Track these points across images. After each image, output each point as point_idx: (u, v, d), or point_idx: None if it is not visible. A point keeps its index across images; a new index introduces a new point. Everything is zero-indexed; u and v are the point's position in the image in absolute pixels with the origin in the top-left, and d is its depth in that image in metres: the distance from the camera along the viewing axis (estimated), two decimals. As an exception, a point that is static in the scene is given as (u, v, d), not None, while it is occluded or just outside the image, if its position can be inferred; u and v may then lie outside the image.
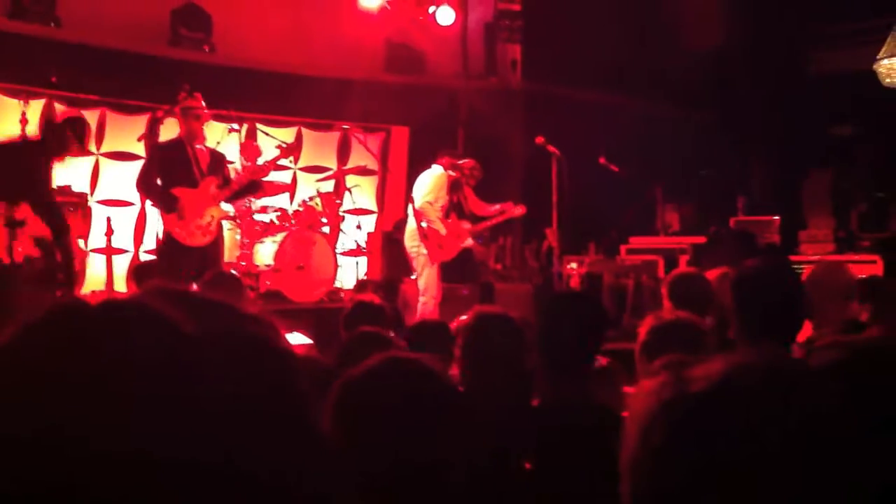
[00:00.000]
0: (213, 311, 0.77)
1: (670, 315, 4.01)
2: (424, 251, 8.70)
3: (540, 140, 8.89)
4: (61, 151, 7.01)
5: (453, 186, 9.02)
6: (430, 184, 8.82)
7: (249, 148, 9.06)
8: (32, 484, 0.65)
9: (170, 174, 7.15)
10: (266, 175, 8.09)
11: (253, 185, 7.85)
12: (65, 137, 7.01)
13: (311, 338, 6.50)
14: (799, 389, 0.88)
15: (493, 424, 2.76)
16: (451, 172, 8.96)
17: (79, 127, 7.23)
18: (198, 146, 7.37)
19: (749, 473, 0.84)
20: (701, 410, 0.89)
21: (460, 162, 9.14)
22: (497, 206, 9.48)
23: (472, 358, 3.32)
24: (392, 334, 4.86)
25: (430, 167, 9.08)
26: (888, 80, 10.19)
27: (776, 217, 10.88)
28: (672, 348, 3.49)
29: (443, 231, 8.73)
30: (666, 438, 0.90)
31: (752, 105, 12.44)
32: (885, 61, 10.14)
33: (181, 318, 0.72)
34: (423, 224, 8.66)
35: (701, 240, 10.36)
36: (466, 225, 9.35)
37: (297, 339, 6.17)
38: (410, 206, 8.93)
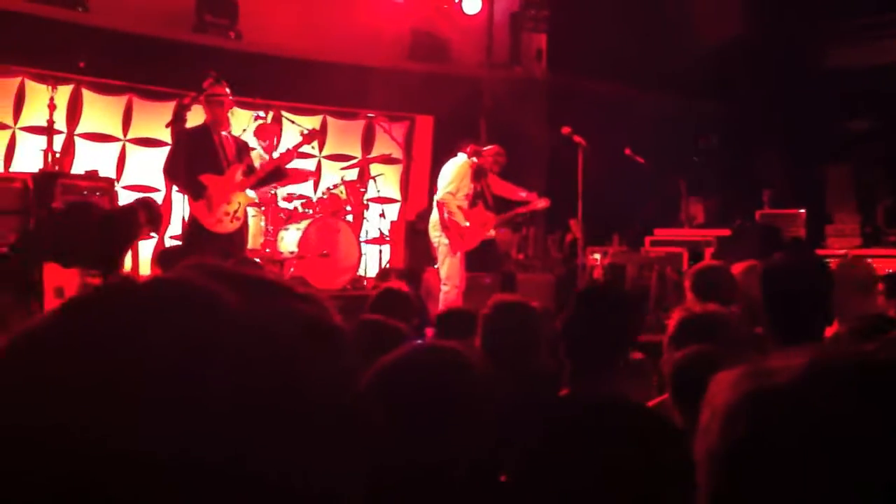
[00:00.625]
0: (263, 289, 0.72)
1: (699, 308, 4.01)
2: (446, 241, 8.69)
3: (566, 130, 8.86)
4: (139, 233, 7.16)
5: (477, 174, 8.97)
6: (452, 173, 8.80)
7: (265, 130, 9.07)
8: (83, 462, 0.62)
9: (196, 161, 7.18)
10: (290, 161, 8.10)
11: (277, 172, 7.88)
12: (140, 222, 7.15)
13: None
14: (886, 382, 0.88)
15: (512, 414, 2.77)
16: (474, 160, 8.91)
17: (154, 211, 7.34)
18: (223, 133, 7.40)
19: (837, 464, 0.84)
20: (787, 401, 0.89)
21: (484, 149, 9.08)
22: (524, 193, 9.44)
23: (491, 346, 3.34)
24: (416, 322, 4.89)
25: (454, 156, 9.06)
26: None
27: (802, 210, 10.81)
28: (700, 341, 3.50)
29: (463, 222, 8.70)
30: (751, 429, 0.90)
31: (774, 98, 12.34)
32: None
33: (233, 298, 0.68)
34: (445, 215, 8.64)
35: (726, 232, 10.30)
36: (491, 214, 9.30)
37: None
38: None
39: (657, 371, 4.08)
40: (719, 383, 0.97)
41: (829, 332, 3.66)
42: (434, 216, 8.83)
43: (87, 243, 6.61)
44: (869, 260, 8.14)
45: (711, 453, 0.94)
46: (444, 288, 8.71)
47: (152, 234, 7.66)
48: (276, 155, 8.46)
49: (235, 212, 7.27)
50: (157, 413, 0.63)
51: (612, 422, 2.73)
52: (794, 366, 0.91)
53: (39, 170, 8.26)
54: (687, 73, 12.19)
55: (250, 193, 7.84)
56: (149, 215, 7.15)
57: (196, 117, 7.68)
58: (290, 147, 7.99)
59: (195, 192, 7.15)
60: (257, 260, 5.92)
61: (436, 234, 8.78)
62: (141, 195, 8.72)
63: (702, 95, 12.60)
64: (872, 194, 11.51)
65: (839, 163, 12.51)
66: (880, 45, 10.89)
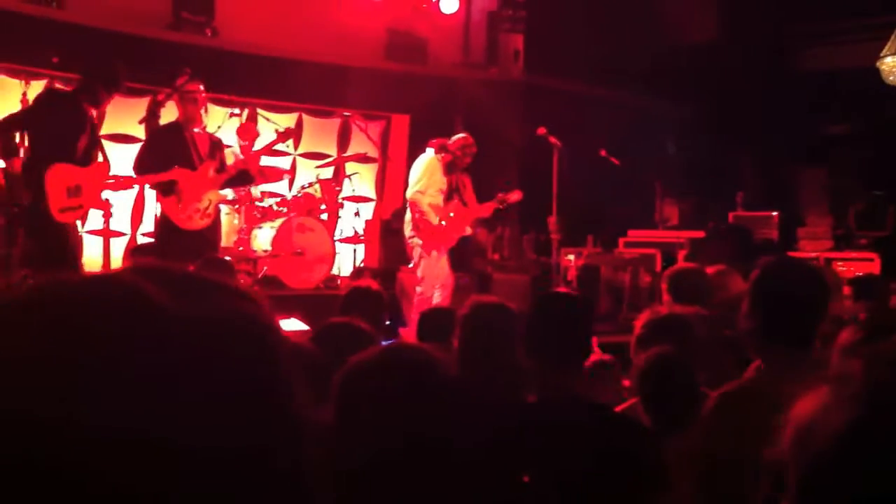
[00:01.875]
0: (201, 289, 0.77)
1: (665, 309, 4.04)
2: (419, 241, 8.60)
3: (542, 131, 8.85)
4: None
5: (449, 168, 8.79)
6: (419, 171, 8.63)
7: (247, 130, 9.05)
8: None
9: (168, 157, 7.15)
10: (257, 165, 8.06)
11: (244, 175, 7.84)
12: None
13: (307, 324, 6.51)
14: None
15: (488, 416, 2.77)
16: (441, 155, 8.68)
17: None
18: (196, 130, 7.37)
19: None
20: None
21: (450, 141, 8.77)
22: (491, 203, 9.31)
23: (469, 347, 3.34)
24: (386, 320, 4.89)
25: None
26: (891, 77, 10.19)
27: (774, 213, 10.90)
28: (665, 342, 3.53)
29: (435, 220, 8.55)
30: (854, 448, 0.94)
31: (747, 100, 12.43)
32: (889, 59, 10.14)
33: (165, 297, 0.72)
34: (416, 215, 8.55)
35: (699, 234, 10.37)
36: (467, 210, 9.15)
37: (294, 324, 6.18)
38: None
39: (627, 372, 4.12)
40: (812, 402, 1.00)
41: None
42: (407, 215, 8.77)
43: None
44: (839, 263, 8.25)
45: (808, 473, 0.97)
46: (418, 289, 8.61)
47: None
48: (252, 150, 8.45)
49: (206, 209, 7.25)
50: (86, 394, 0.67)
51: (576, 423, 2.75)
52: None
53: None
54: (663, 75, 12.27)
55: (222, 191, 7.81)
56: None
57: (170, 114, 7.65)
58: (260, 147, 7.97)
59: (164, 188, 7.12)
60: (228, 258, 5.90)
61: (410, 234, 8.70)
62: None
63: (677, 97, 12.68)
64: (845, 197, 11.62)
65: (813, 166, 12.63)
66: (855, 48, 10.99)
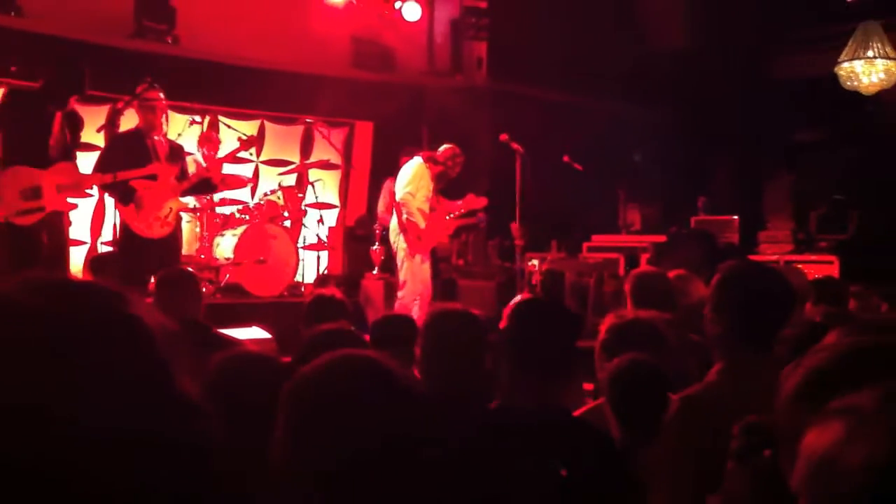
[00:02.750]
0: (62, 290, 0.90)
1: (631, 314, 4.04)
2: (404, 245, 8.56)
3: (504, 137, 8.89)
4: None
5: (439, 178, 8.82)
6: (409, 175, 8.62)
7: (208, 139, 8.99)
8: None
9: (128, 165, 7.07)
10: (219, 174, 8.00)
11: (206, 183, 7.79)
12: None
13: (270, 332, 6.47)
14: None
15: (453, 424, 2.75)
16: (429, 164, 8.70)
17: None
18: (156, 137, 7.31)
19: None
20: None
21: (438, 151, 8.86)
22: (459, 202, 9.39)
23: (432, 355, 3.29)
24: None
25: (405, 162, 8.96)
26: (849, 83, 10.37)
27: (735, 217, 11.00)
28: (631, 348, 3.53)
29: (422, 224, 8.57)
30: None
31: (716, 107, 12.54)
32: (846, 64, 10.32)
33: (37, 300, 0.86)
34: (404, 217, 8.53)
35: (661, 238, 10.44)
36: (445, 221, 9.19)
37: (256, 333, 6.13)
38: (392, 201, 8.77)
39: (590, 377, 4.11)
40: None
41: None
42: (393, 221, 8.72)
43: None
44: (799, 266, 8.32)
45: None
46: (399, 294, 8.55)
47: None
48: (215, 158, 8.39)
49: (167, 217, 7.19)
50: None
51: (546, 433, 2.73)
52: None
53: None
54: (629, 81, 12.35)
55: (183, 199, 7.73)
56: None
57: (130, 122, 7.59)
58: (223, 156, 7.92)
59: (124, 196, 7.04)
60: (189, 268, 5.84)
61: (395, 238, 8.67)
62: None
63: (645, 103, 12.76)
64: (808, 202, 11.76)
65: (779, 171, 12.76)
66: (824, 56, 11.13)
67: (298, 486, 1.61)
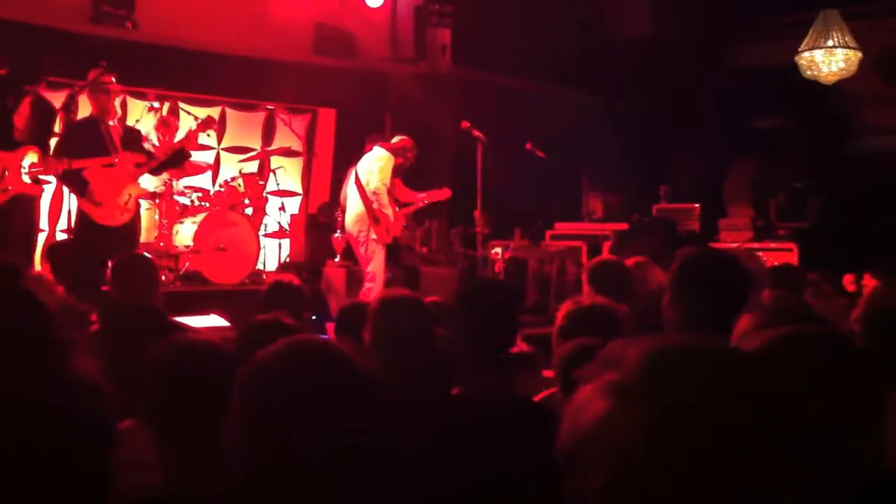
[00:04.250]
0: None
1: (588, 300, 4.05)
2: (374, 235, 8.55)
3: (465, 125, 8.88)
4: None
5: (396, 171, 8.87)
6: (381, 164, 8.65)
7: (165, 124, 8.88)
8: None
9: (84, 151, 6.98)
10: (193, 144, 7.89)
11: (180, 153, 7.68)
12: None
13: (230, 320, 6.41)
14: None
15: (404, 411, 2.74)
16: (395, 156, 8.76)
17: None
18: (110, 123, 7.22)
19: None
20: None
21: (397, 144, 8.90)
22: (423, 194, 9.39)
23: (379, 342, 3.31)
24: (307, 315, 4.83)
25: (370, 150, 8.93)
26: (809, 71, 10.44)
27: (696, 205, 11.08)
28: (588, 333, 3.53)
29: (392, 216, 8.62)
30: None
31: (678, 95, 12.61)
32: (806, 53, 10.38)
33: None
34: (375, 205, 8.51)
35: (624, 226, 10.49)
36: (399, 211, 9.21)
37: (214, 321, 6.08)
38: (355, 190, 8.73)
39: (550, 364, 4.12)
40: None
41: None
42: (357, 210, 8.68)
43: None
44: (758, 253, 8.39)
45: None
46: (368, 285, 8.52)
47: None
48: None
49: (126, 203, 7.10)
50: None
51: (496, 417, 2.73)
52: None
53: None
54: (592, 69, 12.37)
55: (149, 181, 7.60)
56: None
57: (87, 109, 7.49)
58: (184, 136, 7.80)
59: (77, 187, 6.95)
60: (147, 254, 5.77)
61: (362, 228, 8.65)
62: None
63: (608, 92, 12.79)
64: (768, 190, 11.87)
65: (740, 159, 12.86)
66: (785, 43, 11.21)
67: (248, 472, 1.58)
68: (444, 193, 9.47)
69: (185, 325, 4.56)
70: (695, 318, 2.83)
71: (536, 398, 3.52)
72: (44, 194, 8.30)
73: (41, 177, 6.98)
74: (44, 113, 6.97)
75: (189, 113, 9.35)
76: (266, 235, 9.88)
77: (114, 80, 7.20)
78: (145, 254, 6.25)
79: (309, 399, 1.60)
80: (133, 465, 2.57)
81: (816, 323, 2.21)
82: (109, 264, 5.11)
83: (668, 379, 1.01)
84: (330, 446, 1.56)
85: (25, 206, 6.80)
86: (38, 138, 6.86)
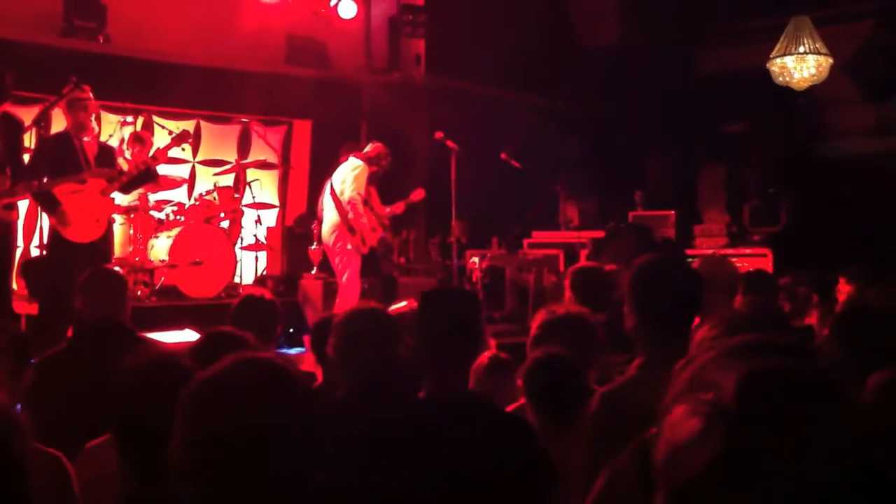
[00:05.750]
0: None
1: (562, 309, 4.06)
2: (350, 246, 8.55)
3: (439, 135, 8.91)
4: None
5: (371, 179, 8.88)
6: (354, 174, 8.65)
7: (139, 139, 8.83)
8: None
9: (57, 167, 6.92)
10: (160, 162, 7.85)
11: (148, 173, 7.63)
12: None
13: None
14: None
15: (365, 419, 2.76)
16: (369, 164, 8.78)
17: None
18: (85, 138, 7.16)
19: None
20: None
21: (371, 152, 8.92)
22: (398, 204, 9.43)
23: (340, 354, 3.37)
24: (279, 330, 4.81)
25: (345, 160, 8.94)
26: (780, 78, 10.52)
27: (671, 212, 11.13)
28: (562, 342, 3.55)
29: (367, 224, 8.64)
30: None
31: (650, 101, 12.66)
32: (778, 60, 10.46)
33: None
34: (350, 215, 8.51)
35: (600, 234, 10.52)
36: (375, 219, 9.20)
37: (187, 335, 6.05)
38: (331, 200, 8.73)
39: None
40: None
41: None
42: (332, 220, 8.67)
43: None
44: (733, 259, 8.43)
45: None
46: (342, 296, 8.51)
47: None
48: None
49: (98, 220, 7.04)
50: None
51: (461, 421, 2.73)
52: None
53: None
54: (565, 78, 12.42)
55: (120, 198, 7.53)
56: None
57: (60, 124, 7.43)
58: (159, 148, 7.75)
59: (48, 205, 6.89)
60: (118, 269, 5.72)
61: (338, 238, 8.61)
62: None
63: (582, 99, 12.84)
64: (741, 195, 11.93)
65: (713, 165, 12.92)
66: (754, 49, 11.29)
67: (194, 487, 1.59)
68: (418, 194, 9.52)
69: (151, 339, 4.52)
70: (649, 325, 2.86)
71: (510, 407, 3.54)
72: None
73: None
74: (11, 130, 6.87)
75: (163, 127, 9.31)
76: (243, 248, 9.85)
77: (90, 94, 7.14)
78: (115, 268, 6.22)
79: (248, 413, 1.62)
80: (101, 477, 2.58)
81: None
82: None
83: (765, 406, 1.01)
84: (251, 436, 1.58)
85: (2, 229, 6.70)
86: (7, 157, 6.75)
